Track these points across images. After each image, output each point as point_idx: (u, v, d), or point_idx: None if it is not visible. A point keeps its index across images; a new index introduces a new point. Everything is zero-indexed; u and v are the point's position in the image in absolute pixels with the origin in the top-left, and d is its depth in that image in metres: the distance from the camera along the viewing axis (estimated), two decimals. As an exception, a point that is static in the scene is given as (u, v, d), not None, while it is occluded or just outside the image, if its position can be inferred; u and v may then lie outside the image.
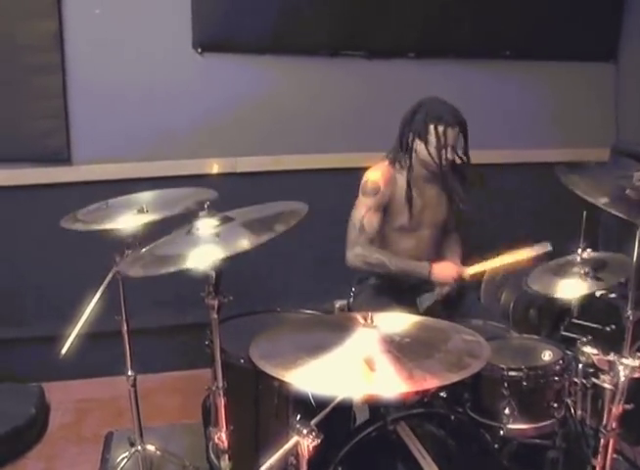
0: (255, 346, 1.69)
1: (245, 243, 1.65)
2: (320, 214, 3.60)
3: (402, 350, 1.57)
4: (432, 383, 1.44)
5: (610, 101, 3.93)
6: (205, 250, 1.70)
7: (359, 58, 3.54)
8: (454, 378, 1.47)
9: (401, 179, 2.71)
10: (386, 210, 2.72)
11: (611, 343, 2.10)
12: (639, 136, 3.74)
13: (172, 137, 3.40)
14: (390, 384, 1.45)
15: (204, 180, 3.38)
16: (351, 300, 2.96)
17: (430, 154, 2.62)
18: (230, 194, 3.44)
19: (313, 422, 1.60)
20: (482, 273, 2.70)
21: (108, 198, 2.52)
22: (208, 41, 3.36)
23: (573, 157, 3.85)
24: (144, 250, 1.91)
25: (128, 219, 2.27)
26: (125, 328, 2.42)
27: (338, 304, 3.74)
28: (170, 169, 3.38)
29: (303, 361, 1.54)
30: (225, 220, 1.78)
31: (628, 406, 1.96)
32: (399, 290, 2.77)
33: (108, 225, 2.26)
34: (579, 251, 2.38)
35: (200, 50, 3.36)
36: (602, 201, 1.94)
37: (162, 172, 3.34)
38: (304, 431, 1.56)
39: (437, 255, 2.87)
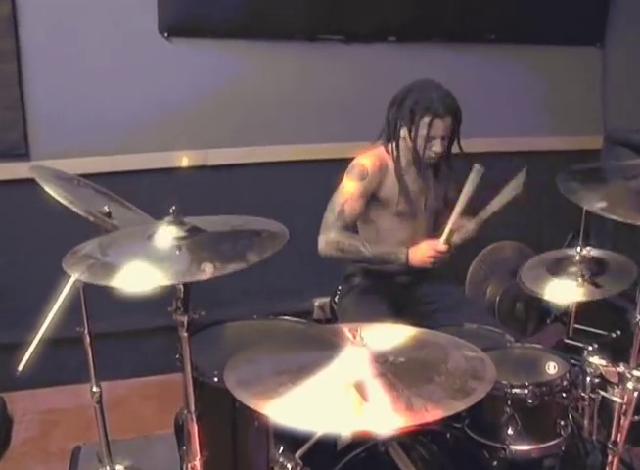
0: (231, 369, 1.50)
1: (207, 270, 1.43)
2: (298, 208, 3.47)
3: (398, 373, 1.39)
4: (434, 414, 1.26)
5: (598, 86, 3.82)
6: (155, 270, 1.48)
7: (337, 42, 3.37)
8: (459, 407, 1.29)
9: (394, 166, 2.55)
10: (378, 197, 2.56)
11: (616, 350, 1.96)
12: (627, 122, 3.64)
13: (139, 129, 3.20)
14: (386, 417, 1.26)
15: (173, 174, 3.26)
16: (336, 298, 2.78)
17: (415, 144, 2.46)
18: (202, 189, 3.33)
19: (298, 455, 1.42)
20: (452, 234, 2.48)
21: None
22: (176, 25, 3.15)
23: (565, 145, 3.75)
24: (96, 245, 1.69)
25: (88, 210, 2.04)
26: (88, 340, 2.22)
27: (317, 302, 3.62)
28: (137, 163, 3.19)
29: (286, 388, 1.35)
30: (192, 233, 1.55)
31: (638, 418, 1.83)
32: (387, 290, 2.63)
33: (66, 201, 2.01)
34: (578, 248, 2.22)
35: (167, 35, 3.15)
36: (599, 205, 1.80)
37: (128, 167, 3.16)
38: (289, 466, 1.38)
39: None
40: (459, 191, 2.49)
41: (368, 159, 2.53)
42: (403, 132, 2.49)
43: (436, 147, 2.45)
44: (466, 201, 2.42)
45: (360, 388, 1.33)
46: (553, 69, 3.73)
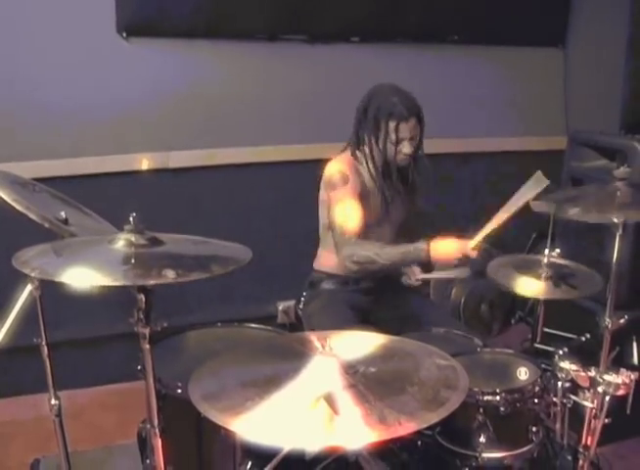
0: (196, 382, 1.44)
1: (169, 275, 1.36)
2: (261, 212, 3.43)
3: (369, 384, 1.34)
4: (407, 427, 1.21)
5: (560, 87, 3.84)
6: (113, 271, 1.41)
7: (300, 42, 3.33)
8: (433, 418, 1.25)
9: (363, 173, 2.53)
10: None
11: (585, 353, 1.95)
12: (588, 122, 3.65)
13: (97, 131, 3.10)
14: (358, 431, 1.22)
15: (132, 178, 3.18)
16: (301, 304, 2.73)
17: (386, 151, 2.45)
18: (162, 192, 3.26)
19: (267, 470, 1.37)
20: (484, 241, 2.41)
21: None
22: (135, 25, 3.06)
23: (528, 146, 3.76)
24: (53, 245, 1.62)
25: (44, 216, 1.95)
26: (46, 352, 2.13)
27: (281, 306, 3.57)
28: (95, 167, 3.10)
29: (253, 403, 1.30)
30: (152, 242, 1.48)
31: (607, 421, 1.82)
32: (353, 296, 2.60)
33: (21, 206, 1.89)
34: (546, 251, 2.19)
35: (125, 34, 3.06)
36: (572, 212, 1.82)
37: (85, 170, 3.07)
38: (256, 483, 1.33)
39: None
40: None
41: (342, 164, 2.50)
42: (372, 141, 2.47)
43: (406, 148, 2.44)
44: (516, 209, 2.33)
45: (330, 401, 1.28)
46: (516, 69, 3.74)
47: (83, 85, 3.07)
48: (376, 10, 3.35)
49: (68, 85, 3.04)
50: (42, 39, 2.97)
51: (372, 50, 3.43)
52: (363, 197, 2.50)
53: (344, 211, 2.43)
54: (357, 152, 2.54)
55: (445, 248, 2.38)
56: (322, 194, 2.55)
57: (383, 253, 2.39)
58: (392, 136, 2.41)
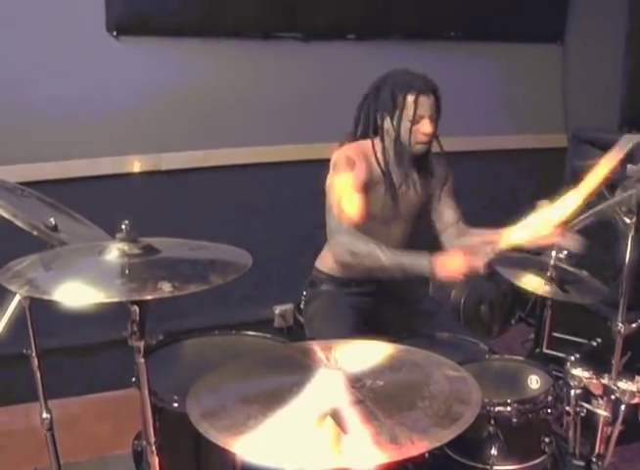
0: (194, 399, 1.36)
1: (165, 288, 1.29)
2: (256, 213, 3.36)
3: (377, 399, 1.27)
4: (420, 446, 1.14)
5: (559, 84, 3.80)
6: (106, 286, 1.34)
7: (295, 40, 3.26)
8: (447, 436, 1.18)
9: (372, 162, 2.35)
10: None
11: (595, 359, 1.89)
12: (588, 119, 3.60)
13: (86, 133, 3.03)
14: (368, 453, 1.14)
15: (124, 181, 3.10)
16: (302, 304, 2.63)
17: (402, 130, 2.28)
18: (155, 195, 3.19)
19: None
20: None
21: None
22: (125, 23, 3.00)
23: (526, 144, 3.71)
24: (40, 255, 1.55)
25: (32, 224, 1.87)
26: (36, 364, 2.05)
27: (277, 310, 3.50)
28: (84, 169, 3.02)
29: (256, 421, 1.22)
30: (146, 251, 1.41)
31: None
32: (356, 296, 2.51)
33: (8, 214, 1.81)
34: (553, 253, 2.13)
35: (115, 33, 3.00)
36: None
37: (75, 173, 3.00)
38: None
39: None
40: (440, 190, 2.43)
41: (349, 149, 2.34)
42: (386, 123, 2.32)
43: (426, 127, 2.26)
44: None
45: (338, 418, 1.21)
46: (513, 66, 3.69)
47: (72, 86, 2.99)
48: (372, 6, 3.30)
49: (56, 86, 2.97)
50: (30, 39, 2.90)
51: (368, 47, 3.36)
52: (369, 188, 2.33)
53: (346, 197, 2.25)
54: (366, 139, 2.38)
55: (453, 264, 2.13)
56: (328, 180, 2.36)
57: (387, 252, 2.18)
58: (411, 112, 2.23)
